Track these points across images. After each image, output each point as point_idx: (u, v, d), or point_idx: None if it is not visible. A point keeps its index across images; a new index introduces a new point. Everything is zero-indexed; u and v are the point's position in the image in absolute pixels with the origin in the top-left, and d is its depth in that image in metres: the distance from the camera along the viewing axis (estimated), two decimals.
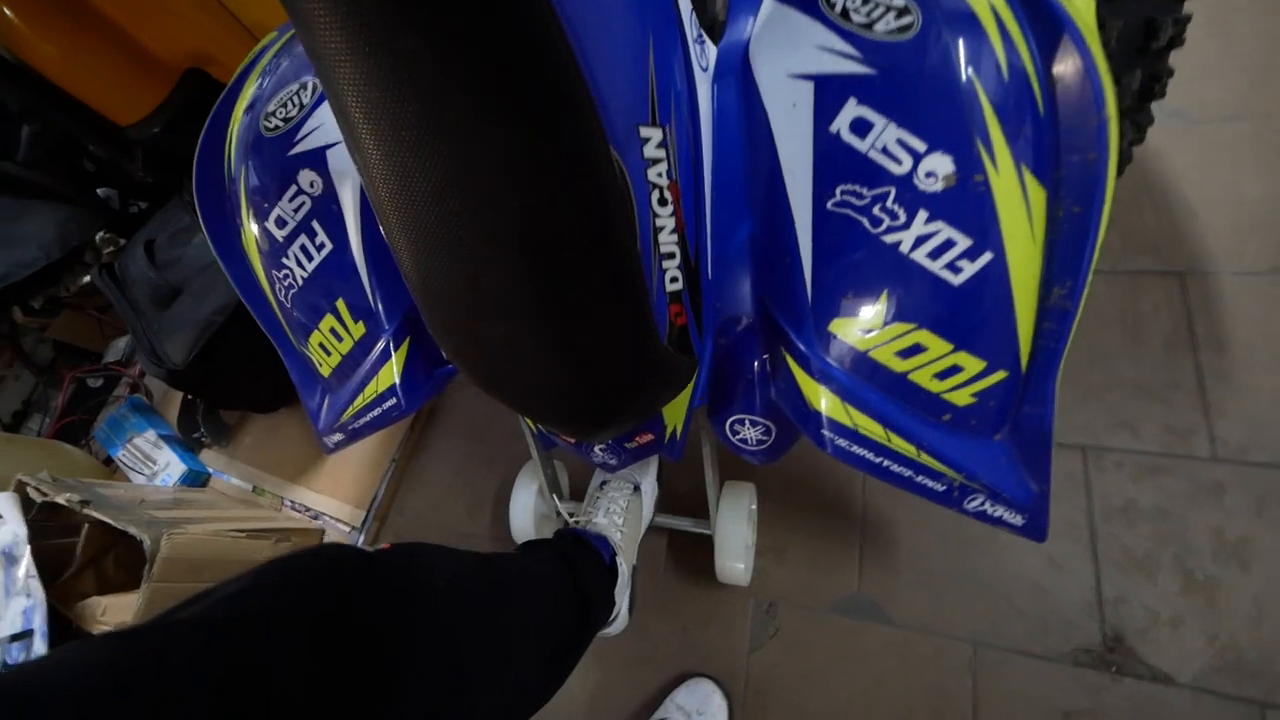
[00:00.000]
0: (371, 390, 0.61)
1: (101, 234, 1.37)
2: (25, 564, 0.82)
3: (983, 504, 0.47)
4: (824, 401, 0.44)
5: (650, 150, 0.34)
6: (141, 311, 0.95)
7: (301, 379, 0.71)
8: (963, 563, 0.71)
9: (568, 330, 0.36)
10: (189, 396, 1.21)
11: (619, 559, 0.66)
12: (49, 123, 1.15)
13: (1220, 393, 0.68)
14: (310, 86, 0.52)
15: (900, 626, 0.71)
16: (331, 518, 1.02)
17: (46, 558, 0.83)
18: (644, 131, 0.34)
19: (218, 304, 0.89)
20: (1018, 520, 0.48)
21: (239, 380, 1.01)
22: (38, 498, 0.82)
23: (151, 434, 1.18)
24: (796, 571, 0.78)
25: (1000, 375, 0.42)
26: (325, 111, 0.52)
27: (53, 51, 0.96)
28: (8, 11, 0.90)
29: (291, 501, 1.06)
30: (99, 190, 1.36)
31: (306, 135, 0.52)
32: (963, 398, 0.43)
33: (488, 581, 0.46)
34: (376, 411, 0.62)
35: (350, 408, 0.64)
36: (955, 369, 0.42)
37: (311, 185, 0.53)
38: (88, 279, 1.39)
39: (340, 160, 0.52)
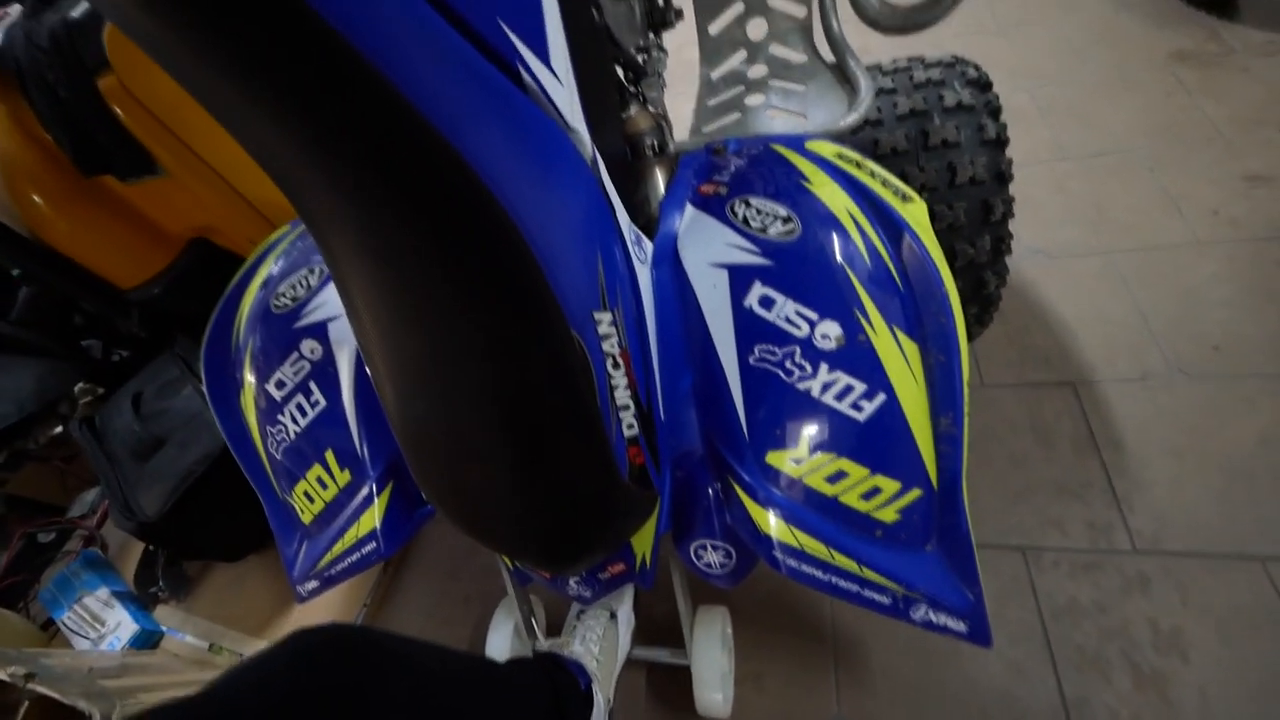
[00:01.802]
0: (352, 535, 0.64)
1: (80, 385, 1.39)
2: None
3: (926, 613, 0.51)
4: (772, 525, 0.50)
5: (603, 328, 0.43)
6: (118, 463, 0.97)
7: (281, 528, 0.73)
8: (932, 675, 0.72)
9: (540, 473, 0.42)
10: (150, 548, 1.17)
11: (595, 687, 0.66)
12: (49, 286, 1.22)
13: (1126, 488, 0.77)
14: (317, 271, 0.62)
15: None
16: None
17: None
18: (597, 315, 0.43)
19: (199, 454, 0.92)
20: (961, 627, 0.52)
21: (210, 530, 1.01)
22: None
23: (104, 591, 1.12)
24: (776, 699, 0.77)
25: (916, 493, 0.49)
26: (328, 292, 0.61)
27: (68, 228, 1.05)
28: (35, 197, 1.00)
29: None
30: (83, 341, 1.41)
31: (311, 311, 0.60)
32: (889, 514, 0.50)
33: (469, 675, 0.49)
34: (355, 556, 0.65)
35: (329, 553, 0.66)
36: (876, 490, 0.49)
37: (312, 352, 0.60)
38: (59, 430, 1.39)
39: (339, 331, 0.60)
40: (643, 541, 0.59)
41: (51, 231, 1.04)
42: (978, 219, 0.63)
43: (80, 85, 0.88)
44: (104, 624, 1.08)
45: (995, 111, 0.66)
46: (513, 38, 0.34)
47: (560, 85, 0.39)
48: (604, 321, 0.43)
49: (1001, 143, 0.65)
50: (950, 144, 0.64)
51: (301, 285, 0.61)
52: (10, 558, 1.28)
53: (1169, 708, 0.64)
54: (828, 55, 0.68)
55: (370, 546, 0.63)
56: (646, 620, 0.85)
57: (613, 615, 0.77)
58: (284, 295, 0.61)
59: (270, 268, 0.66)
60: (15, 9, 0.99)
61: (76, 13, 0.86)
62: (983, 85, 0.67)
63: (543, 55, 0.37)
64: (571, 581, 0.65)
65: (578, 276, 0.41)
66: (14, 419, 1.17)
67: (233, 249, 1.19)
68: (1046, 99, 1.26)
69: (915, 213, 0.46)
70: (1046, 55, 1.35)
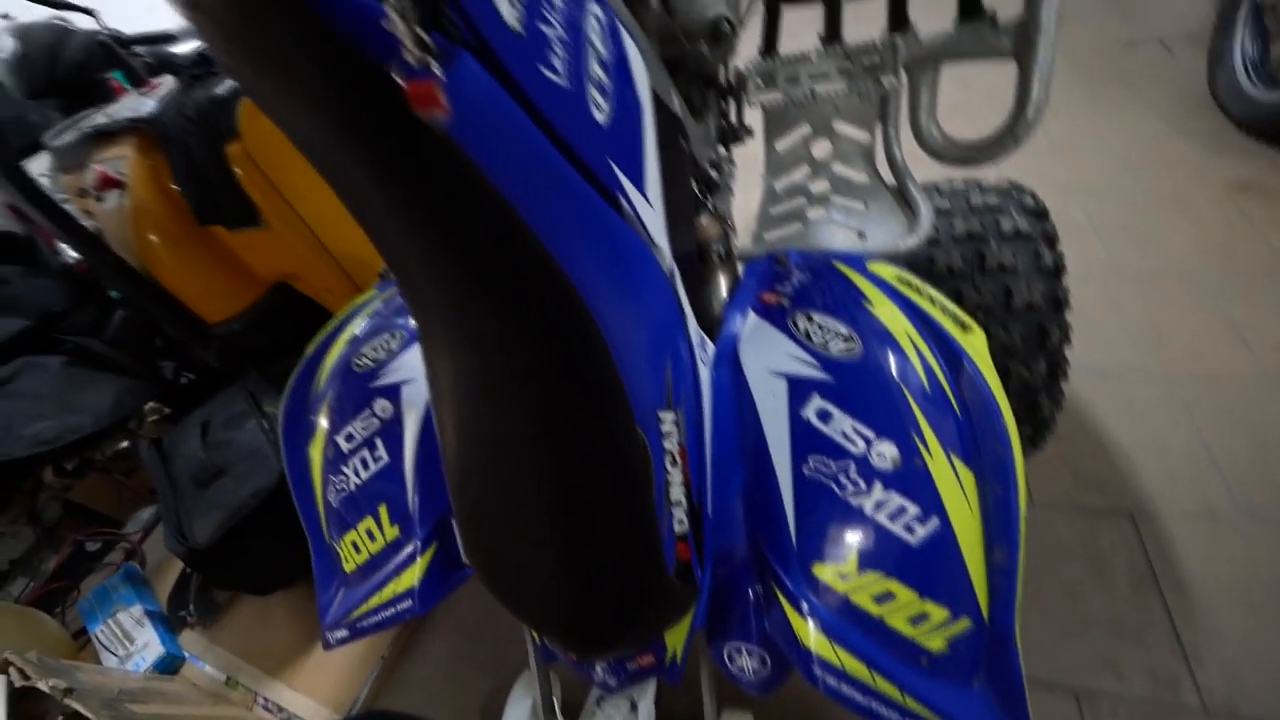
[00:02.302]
0: (390, 590, 0.66)
1: (150, 404, 1.49)
2: None
3: None
4: (812, 638, 0.49)
5: (666, 427, 0.45)
6: (179, 487, 1.02)
7: (322, 572, 0.75)
8: None
9: (589, 561, 0.43)
10: (187, 571, 1.21)
11: None
12: (144, 313, 1.34)
13: (1193, 636, 0.71)
14: (398, 336, 0.67)
15: None
16: None
17: None
18: (661, 414, 0.45)
19: (254, 488, 0.96)
20: None
21: (250, 563, 1.04)
22: (19, 681, 0.80)
23: (138, 609, 1.16)
24: None
25: (965, 623, 0.48)
26: (405, 357, 0.65)
27: (175, 266, 1.17)
28: (153, 237, 1.13)
29: (265, 699, 1.01)
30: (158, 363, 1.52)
31: (388, 374, 0.64)
32: (936, 642, 0.48)
33: None
34: (390, 611, 0.66)
35: (364, 605, 0.68)
36: (925, 615, 0.48)
37: (383, 411, 0.64)
38: (125, 444, 1.48)
39: (411, 395, 0.64)
40: (676, 636, 0.59)
41: (161, 267, 1.16)
42: (1034, 343, 0.64)
43: (212, 149, 1.00)
44: (133, 642, 1.10)
45: (1052, 240, 0.68)
46: (618, 173, 0.38)
47: (651, 209, 0.43)
48: (667, 420, 0.46)
49: (1059, 271, 0.67)
50: (1007, 268, 0.66)
51: (382, 348, 0.66)
52: (59, 563, 1.34)
53: None
54: (889, 177, 0.72)
55: (406, 604, 0.64)
56: (666, 715, 0.82)
57: (633, 707, 0.74)
58: (366, 355, 0.66)
59: (356, 328, 0.71)
60: (168, 80, 1.15)
61: (220, 91, 1.00)
62: (1039, 214, 0.70)
63: (640, 185, 0.41)
64: (598, 667, 0.64)
65: (648, 378, 0.44)
66: (89, 430, 1.26)
67: (310, 294, 1.29)
68: (1100, 216, 1.28)
69: (975, 343, 0.48)
70: (1100, 173, 1.38)
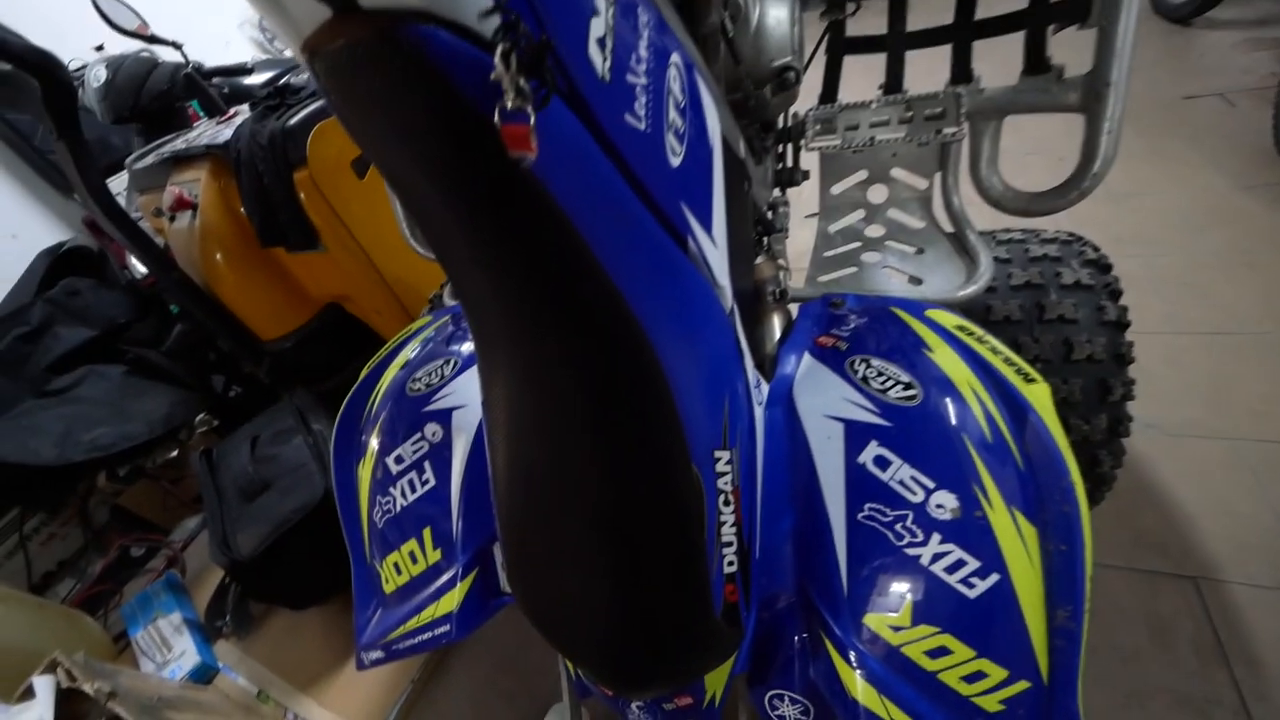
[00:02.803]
0: (429, 614, 0.66)
1: (201, 415, 1.54)
2: None
3: None
4: (861, 690, 0.47)
5: (721, 466, 0.45)
6: (226, 499, 1.05)
7: (361, 592, 0.75)
8: None
9: (636, 598, 0.43)
10: (226, 581, 1.23)
11: None
12: (202, 327, 1.40)
13: (1264, 716, 0.66)
14: (452, 362, 0.69)
15: None
16: None
17: None
18: (717, 454, 0.45)
19: (297, 503, 0.98)
20: None
21: (288, 577, 1.06)
22: (65, 682, 0.82)
23: (177, 616, 1.18)
24: None
25: (1023, 685, 0.46)
26: (458, 383, 0.67)
27: (236, 284, 1.23)
28: (219, 256, 1.19)
29: (295, 715, 1.01)
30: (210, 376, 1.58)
31: (441, 398, 0.66)
32: (991, 704, 0.46)
33: None
34: (427, 635, 0.66)
35: (401, 627, 0.68)
36: (981, 674, 0.46)
37: (434, 435, 0.66)
38: (174, 453, 1.53)
39: (461, 420, 0.66)
40: (716, 679, 0.57)
41: (223, 285, 1.22)
42: (1094, 397, 0.62)
43: (281, 175, 1.06)
44: (171, 649, 1.12)
45: (1115, 294, 0.66)
46: (688, 214, 0.39)
47: (716, 250, 0.44)
48: (723, 459, 0.46)
49: (1122, 325, 0.65)
50: (1067, 320, 0.65)
51: (436, 374, 0.68)
52: (105, 566, 1.38)
53: None
54: (945, 224, 0.72)
55: (443, 629, 0.64)
56: None
57: None
58: (420, 380, 0.68)
59: (410, 352, 0.74)
60: (244, 109, 1.23)
61: (292, 122, 1.06)
62: (1102, 267, 0.69)
63: (707, 227, 0.42)
64: (634, 705, 0.63)
65: (706, 416, 0.45)
66: (143, 439, 1.31)
67: (359, 315, 1.34)
68: (1158, 268, 1.24)
69: (1039, 394, 0.47)
70: (1159, 226, 1.34)
